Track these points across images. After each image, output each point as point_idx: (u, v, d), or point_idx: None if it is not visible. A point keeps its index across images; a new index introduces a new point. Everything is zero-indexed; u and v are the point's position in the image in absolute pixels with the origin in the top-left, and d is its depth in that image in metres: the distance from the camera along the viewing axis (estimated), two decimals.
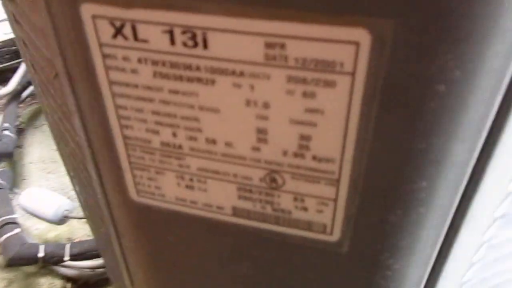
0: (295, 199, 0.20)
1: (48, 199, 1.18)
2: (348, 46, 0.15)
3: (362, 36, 0.14)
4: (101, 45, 0.18)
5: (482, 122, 0.16)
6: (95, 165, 0.25)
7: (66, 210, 1.24)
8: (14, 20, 0.29)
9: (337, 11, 0.14)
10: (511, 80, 0.15)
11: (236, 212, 0.21)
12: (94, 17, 0.17)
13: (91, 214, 0.40)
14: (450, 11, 0.13)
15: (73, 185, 0.51)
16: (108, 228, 0.29)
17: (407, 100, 0.15)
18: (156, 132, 0.20)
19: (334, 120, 0.17)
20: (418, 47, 0.14)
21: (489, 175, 0.18)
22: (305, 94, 0.16)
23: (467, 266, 0.23)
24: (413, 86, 0.15)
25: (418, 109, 0.15)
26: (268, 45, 0.15)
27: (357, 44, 0.14)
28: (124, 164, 0.22)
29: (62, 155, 0.45)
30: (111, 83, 0.19)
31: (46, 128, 1.62)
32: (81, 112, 0.22)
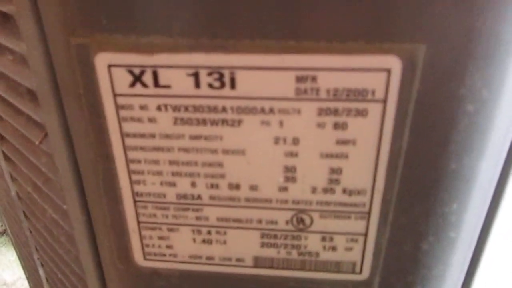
0: (323, 239, 0.19)
1: None
2: (380, 74, 0.15)
3: (393, 62, 0.15)
4: (115, 95, 0.17)
5: (505, 137, 0.17)
6: (89, 233, 0.23)
7: None
8: None
9: (368, 40, 0.15)
10: None
11: (258, 262, 0.20)
12: (110, 66, 0.16)
13: None
14: (479, 31, 0.14)
15: (28, 272, 0.46)
16: None
17: (438, 122, 0.16)
18: (173, 184, 0.19)
19: (366, 150, 0.17)
20: (448, 70, 0.15)
21: (509, 190, 0.18)
22: (336, 126, 0.16)
23: None
24: (443, 108, 0.15)
25: (449, 130, 0.16)
26: (299, 79, 0.16)
27: (388, 71, 0.15)
28: (132, 225, 0.20)
29: (20, 240, 0.40)
30: (124, 135, 0.18)
31: None
32: (77, 173, 0.21)
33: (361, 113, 0.16)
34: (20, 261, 0.52)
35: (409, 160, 0.17)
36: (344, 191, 0.18)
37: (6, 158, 0.29)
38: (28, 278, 0.52)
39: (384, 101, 0.16)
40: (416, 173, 0.17)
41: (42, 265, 0.36)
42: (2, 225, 1.41)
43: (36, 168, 0.25)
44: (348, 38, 0.15)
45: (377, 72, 0.15)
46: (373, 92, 0.15)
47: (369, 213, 0.18)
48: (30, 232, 0.34)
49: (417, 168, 0.17)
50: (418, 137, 0.16)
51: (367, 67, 0.15)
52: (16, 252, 0.51)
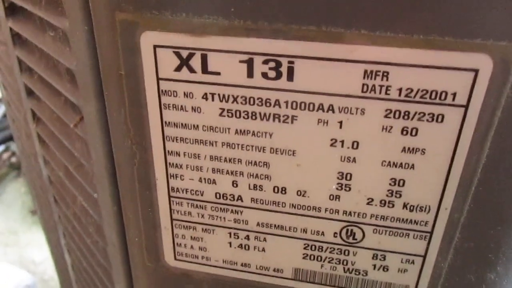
0: (375, 257, 0.17)
1: (6, 274, 1.09)
2: (465, 74, 0.13)
3: (483, 62, 0.13)
4: (159, 80, 0.15)
5: None
6: (118, 225, 0.21)
7: (27, 286, 1.14)
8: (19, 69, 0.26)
9: (456, 35, 0.12)
10: None
11: (298, 275, 0.18)
12: (156, 47, 0.15)
13: None
14: None
15: (55, 257, 0.46)
16: None
17: None
18: (212, 182, 0.17)
19: (436, 161, 0.14)
20: None
21: None
22: (404, 131, 0.14)
23: None
24: None
25: None
26: (368, 74, 0.14)
27: (475, 72, 0.13)
28: (164, 222, 0.19)
29: (49, 224, 0.40)
30: (165, 124, 0.16)
31: (4, 198, 1.52)
32: (110, 161, 0.19)
33: (436, 118, 0.14)
34: (48, 245, 0.52)
35: (486, 177, 0.14)
36: (404, 205, 0.16)
37: (41, 140, 0.29)
38: (55, 262, 0.52)
39: (466, 107, 0.13)
40: (493, 192, 0.15)
41: (68, 252, 0.35)
42: (35, 205, 1.45)
43: (69, 152, 0.24)
44: (433, 32, 0.13)
45: (462, 72, 0.13)
46: (454, 95, 0.13)
47: (431, 233, 0.16)
48: (59, 217, 0.33)
49: (495, 187, 0.15)
50: (501, 151, 0.14)
51: (451, 65, 0.13)
52: (45, 235, 0.51)
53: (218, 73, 0.15)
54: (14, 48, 0.25)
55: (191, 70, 0.15)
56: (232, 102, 0.15)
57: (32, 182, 0.41)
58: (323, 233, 0.17)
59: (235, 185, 0.17)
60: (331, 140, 0.15)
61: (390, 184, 0.15)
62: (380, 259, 0.17)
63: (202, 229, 0.18)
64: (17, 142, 0.41)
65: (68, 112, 0.22)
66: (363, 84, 0.14)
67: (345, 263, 0.17)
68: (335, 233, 0.17)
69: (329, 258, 0.17)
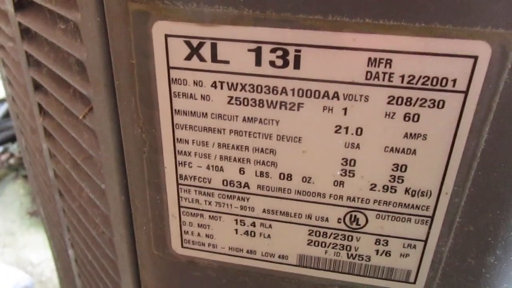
0: (377, 242, 0.17)
1: (4, 275, 1.09)
2: (464, 61, 0.14)
3: (482, 49, 0.13)
4: (170, 68, 0.16)
5: None
6: (126, 215, 0.22)
7: (26, 287, 1.14)
8: (26, 63, 0.27)
9: (456, 23, 0.13)
10: None
11: (302, 261, 0.19)
12: (167, 36, 0.15)
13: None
14: None
15: (57, 253, 0.46)
16: None
17: None
18: (220, 169, 0.17)
19: (437, 146, 0.15)
20: None
21: None
22: (406, 117, 0.15)
23: None
24: None
25: None
26: (372, 62, 0.14)
27: (475, 58, 0.13)
28: (172, 209, 0.19)
29: (52, 219, 0.40)
30: (174, 112, 0.17)
31: (2, 199, 1.52)
32: (119, 151, 0.20)
33: (437, 104, 0.14)
34: (50, 242, 0.52)
35: (485, 161, 0.15)
36: (406, 190, 0.16)
37: (47, 134, 0.29)
38: (56, 259, 0.52)
39: (466, 92, 0.14)
40: (492, 176, 0.15)
41: (72, 246, 0.36)
42: (32, 206, 1.45)
43: (76, 144, 0.25)
44: (434, 20, 0.13)
45: (462, 59, 0.13)
46: (454, 82, 0.14)
47: (432, 217, 0.16)
48: (64, 212, 0.33)
49: (494, 171, 0.15)
50: (499, 136, 0.14)
51: (451, 52, 0.13)
52: (46, 232, 0.51)
53: (227, 62, 0.15)
54: (22, 42, 0.25)
55: (201, 59, 0.15)
56: (240, 90, 0.16)
57: (35, 178, 0.42)
58: (327, 219, 0.17)
59: (242, 172, 0.17)
60: (336, 126, 0.15)
61: (392, 169, 0.16)
62: (382, 244, 0.17)
63: (209, 216, 0.19)
64: (20, 138, 0.41)
65: (76, 104, 0.22)
66: (367, 72, 0.14)
67: (348, 248, 0.18)
68: (339, 219, 0.17)
69: (333, 244, 0.18)
